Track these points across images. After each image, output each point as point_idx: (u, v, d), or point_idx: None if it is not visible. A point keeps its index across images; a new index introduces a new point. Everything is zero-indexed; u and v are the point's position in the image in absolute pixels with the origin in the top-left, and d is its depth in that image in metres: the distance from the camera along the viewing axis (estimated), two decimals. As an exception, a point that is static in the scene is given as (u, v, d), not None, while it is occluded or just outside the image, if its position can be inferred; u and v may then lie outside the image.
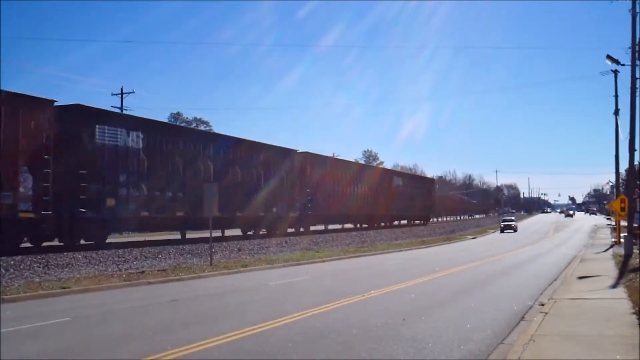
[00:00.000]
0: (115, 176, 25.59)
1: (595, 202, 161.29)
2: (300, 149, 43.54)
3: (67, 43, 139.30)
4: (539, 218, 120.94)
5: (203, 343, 8.63)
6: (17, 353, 8.28)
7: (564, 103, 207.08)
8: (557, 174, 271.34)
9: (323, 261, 25.39)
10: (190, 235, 34.39)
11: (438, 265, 22.65)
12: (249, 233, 37.45)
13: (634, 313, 10.57)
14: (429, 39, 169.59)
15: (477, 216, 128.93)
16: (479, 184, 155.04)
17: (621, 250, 25.08)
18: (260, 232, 37.76)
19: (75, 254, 22.15)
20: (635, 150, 24.26)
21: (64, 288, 15.24)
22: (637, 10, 23.04)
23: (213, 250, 23.93)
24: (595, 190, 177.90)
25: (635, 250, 23.50)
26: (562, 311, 11.40)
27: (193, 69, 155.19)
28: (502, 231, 60.89)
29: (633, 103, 23.62)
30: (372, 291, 14.57)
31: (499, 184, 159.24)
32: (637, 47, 23.06)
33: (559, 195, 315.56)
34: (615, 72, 34.65)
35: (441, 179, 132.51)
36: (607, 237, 43.36)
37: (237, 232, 37.48)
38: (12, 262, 19.12)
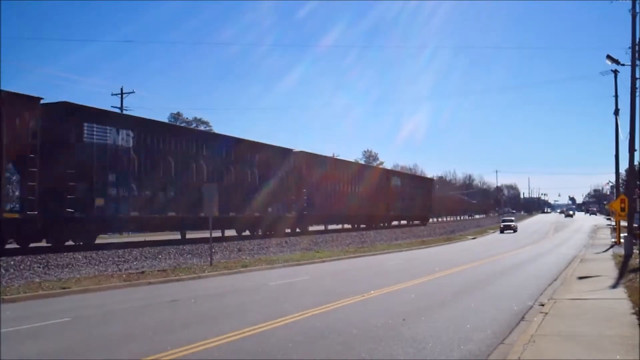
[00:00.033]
0: (105, 175, 25.15)
1: (595, 202, 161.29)
2: (297, 149, 43.31)
3: (67, 43, 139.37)
4: (539, 218, 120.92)
5: (203, 343, 8.63)
6: (17, 353, 8.28)
7: (564, 103, 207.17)
8: (557, 174, 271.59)
9: (323, 261, 25.39)
10: (190, 235, 34.38)
11: (438, 266, 22.65)
12: (243, 234, 37.05)
13: (634, 313, 10.57)
14: (429, 39, 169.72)
15: (477, 216, 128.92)
16: (479, 184, 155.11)
17: (621, 251, 25.07)
18: (255, 233, 37.36)
19: (75, 254, 22.15)
20: (635, 150, 24.27)
21: (64, 288, 15.23)
22: (637, 10, 23.05)
23: (213, 250, 23.93)
24: (595, 191, 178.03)
25: (635, 251, 23.50)
26: (562, 311, 11.40)
27: (193, 69, 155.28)
28: (501, 231, 60.92)
29: (633, 103, 23.63)
30: (372, 291, 14.57)
31: (499, 184, 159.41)
32: (637, 47, 23.06)
33: (559, 196, 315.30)
34: (615, 72, 34.66)
35: (441, 179, 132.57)
36: (607, 237, 43.35)
37: (232, 232, 37.21)
38: (12, 262, 19.13)
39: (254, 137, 59.70)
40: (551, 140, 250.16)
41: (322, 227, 49.48)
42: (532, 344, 8.34)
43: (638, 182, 37.17)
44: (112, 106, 50.87)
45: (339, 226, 53.22)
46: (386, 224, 60.55)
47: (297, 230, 41.98)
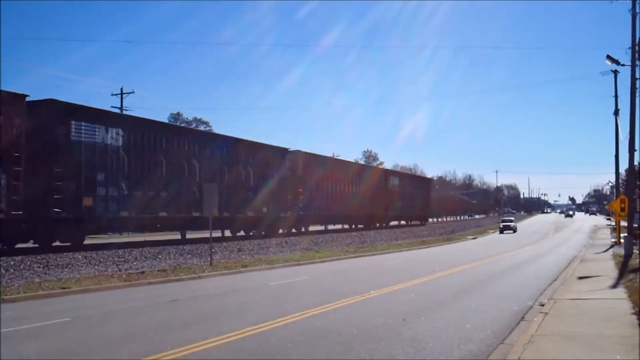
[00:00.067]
0: (93, 175, 24.57)
1: (595, 203, 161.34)
2: (293, 148, 42.49)
3: (67, 43, 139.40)
4: (539, 218, 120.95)
5: (203, 343, 8.63)
6: (17, 353, 8.28)
7: (564, 103, 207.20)
8: (557, 174, 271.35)
9: (323, 261, 25.39)
10: (190, 235, 34.37)
11: (438, 266, 22.65)
12: (238, 234, 36.50)
13: (634, 313, 10.57)
14: (429, 39, 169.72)
15: (477, 216, 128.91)
16: (479, 184, 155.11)
17: (621, 251, 25.08)
18: (250, 234, 36.80)
19: (75, 254, 22.15)
20: (635, 150, 24.28)
21: (64, 288, 15.23)
22: (637, 10, 23.05)
23: (213, 250, 23.92)
24: (595, 191, 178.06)
25: (635, 251, 23.50)
26: (562, 311, 11.40)
27: (193, 69, 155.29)
28: (501, 232, 60.91)
29: (633, 103, 23.63)
30: (372, 291, 14.57)
31: (499, 184, 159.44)
32: (637, 47, 23.07)
33: (559, 196, 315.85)
34: (615, 72, 34.68)
35: (441, 179, 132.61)
36: (607, 237, 43.37)
37: (226, 233, 36.73)
38: (12, 262, 19.13)
39: (254, 137, 59.79)
40: (551, 140, 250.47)
41: (321, 227, 49.17)
42: (532, 344, 8.34)
43: (638, 182, 37.16)
44: (112, 106, 50.97)
45: (339, 226, 52.94)
46: (385, 224, 60.07)
47: (294, 230, 41.30)
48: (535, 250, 34.92)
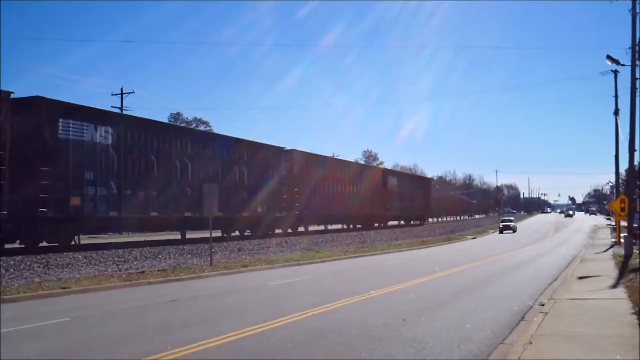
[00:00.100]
0: (81, 174, 23.85)
1: (595, 202, 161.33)
2: (288, 147, 41.53)
3: (67, 43, 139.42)
4: (539, 218, 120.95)
5: (203, 343, 8.63)
6: (17, 353, 8.28)
7: (564, 103, 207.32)
8: (557, 174, 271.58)
9: (323, 261, 25.39)
10: (190, 235, 34.35)
11: (438, 266, 22.65)
12: (232, 234, 35.80)
13: (634, 313, 10.57)
14: (429, 39, 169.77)
15: (477, 216, 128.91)
16: (479, 184, 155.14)
17: (621, 251, 25.08)
18: (244, 234, 36.20)
19: (75, 254, 22.16)
20: (635, 150, 24.29)
21: (64, 288, 15.24)
22: (637, 10, 23.06)
23: (213, 250, 23.93)
24: (595, 191, 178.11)
25: (635, 251, 23.51)
26: (562, 311, 11.40)
27: (193, 69, 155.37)
28: (500, 232, 60.88)
29: (633, 103, 23.63)
30: (372, 291, 14.58)
31: (499, 184, 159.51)
32: (637, 47, 23.07)
33: (559, 196, 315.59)
34: (615, 72, 34.68)
35: (441, 179, 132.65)
36: (607, 237, 43.37)
37: (218, 233, 35.52)
38: (12, 262, 19.14)
39: (254, 137, 59.69)
40: (551, 140, 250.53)
41: (321, 227, 48.86)
42: (532, 344, 8.34)
43: (638, 182, 37.18)
44: (112, 106, 51.00)
45: (338, 226, 52.59)
46: (383, 224, 59.28)
47: (290, 230, 40.49)
48: (535, 250, 34.92)
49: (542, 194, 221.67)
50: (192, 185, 29.81)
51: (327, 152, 79.41)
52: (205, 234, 28.45)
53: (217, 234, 33.64)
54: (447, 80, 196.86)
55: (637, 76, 23.61)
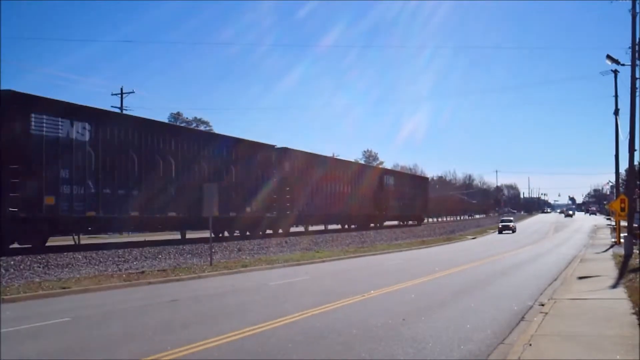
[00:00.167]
0: (56, 172, 22.81)
1: (595, 202, 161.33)
2: (279, 145, 40.35)
3: (67, 43, 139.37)
4: (539, 218, 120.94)
5: (203, 343, 8.63)
6: (17, 353, 8.28)
7: (564, 103, 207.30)
8: (557, 174, 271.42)
9: (323, 261, 25.39)
10: (190, 235, 34.33)
11: (438, 266, 22.65)
12: (220, 235, 34.72)
13: (634, 313, 10.58)
14: (429, 39, 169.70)
15: (477, 216, 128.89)
16: (479, 184, 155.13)
17: (621, 251, 25.09)
18: (234, 234, 35.37)
19: (75, 254, 22.16)
20: (635, 150, 24.30)
21: (64, 288, 15.24)
22: (637, 10, 23.06)
23: (213, 250, 23.93)
24: (595, 191, 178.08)
25: (635, 251, 23.51)
26: (562, 311, 11.40)
27: (193, 69, 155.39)
28: (500, 232, 60.81)
29: (633, 103, 23.64)
30: (372, 291, 14.58)
31: (499, 184, 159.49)
32: (637, 47, 23.07)
33: (559, 195, 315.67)
34: (615, 72, 34.69)
35: (441, 179, 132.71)
36: (607, 237, 43.37)
37: (206, 234, 34.71)
38: (12, 262, 19.13)
39: (254, 137, 59.53)
40: (551, 140, 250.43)
41: (320, 227, 48.25)
42: (532, 344, 8.34)
43: (638, 182, 37.18)
44: (112, 106, 50.92)
45: (336, 226, 52.12)
46: (379, 225, 57.98)
47: (280, 231, 39.13)
48: (535, 250, 34.93)
49: (542, 194, 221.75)
50: (176, 184, 29.00)
51: (327, 152, 79.39)
52: (204, 234, 28.31)
53: (206, 234, 32.33)
54: (447, 80, 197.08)
55: (637, 76, 23.62)
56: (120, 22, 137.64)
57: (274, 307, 12.25)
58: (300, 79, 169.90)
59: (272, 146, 39.24)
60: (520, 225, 75.09)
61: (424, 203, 75.07)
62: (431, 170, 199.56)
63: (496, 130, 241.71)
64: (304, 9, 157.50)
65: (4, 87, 21.84)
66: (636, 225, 28.57)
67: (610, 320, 10.10)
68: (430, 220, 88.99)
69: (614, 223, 43.30)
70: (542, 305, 12.52)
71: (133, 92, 56.12)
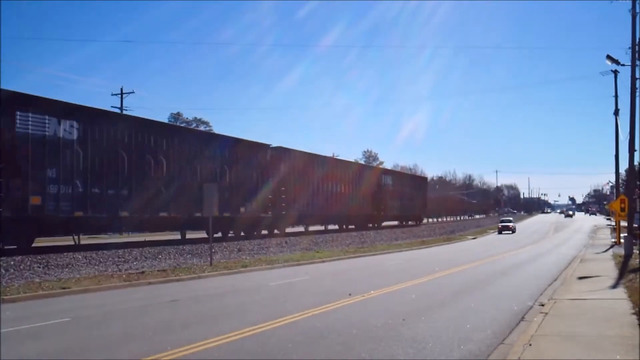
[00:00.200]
0: (43, 171, 22.42)
1: (595, 203, 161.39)
2: (273, 144, 39.82)
3: (67, 43, 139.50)
4: (539, 218, 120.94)
5: (203, 343, 8.63)
6: (17, 353, 8.28)
7: (564, 103, 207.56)
8: (557, 174, 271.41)
9: (323, 261, 25.39)
10: (190, 235, 34.32)
11: (438, 266, 22.65)
12: (215, 235, 33.59)
13: (634, 313, 10.58)
14: (429, 39, 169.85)
15: (477, 216, 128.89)
16: (479, 184, 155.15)
17: (621, 251, 25.09)
18: (228, 235, 34.96)
19: (75, 254, 22.17)
20: (635, 150, 24.30)
21: (64, 288, 15.23)
22: (637, 10, 23.06)
23: (213, 250, 23.92)
24: (595, 191, 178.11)
25: (635, 251, 23.52)
26: (562, 311, 11.40)
27: (193, 69, 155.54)
28: (499, 232, 60.78)
29: (633, 103, 23.64)
30: (372, 291, 14.58)
31: (499, 184, 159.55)
32: (637, 47, 23.08)
33: (559, 196, 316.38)
34: (615, 72, 34.71)
35: (441, 179, 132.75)
36: (607, 237, 43.37)
37: (202, 234, 34.38)
38: (12, 262, 19.13)
39: (255, 137, 59.53)
40: (551, 140, 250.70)
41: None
42: (532, 344, 8.34)
43: (638, 182, 37.17)
44: (112, 106, 50.99)
45: (333, 227, 51.79)
46: (377, 225, 57.49)
47: (276, 231, 39.13)
48: (535, 250, 34.92)
49: (542, 194, 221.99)
50: (168, 184, 28.64)
51: (327, 152, 79.40)
52: (204, 234, 28.43)
53: (196, 235, 32.70)
54: (447, 80, 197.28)
55: (637, 76, 23.62)
56: (120, 22, 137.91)
57: (274, 307, 12.24)
58: (300, 79, 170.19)
59: (268, 146, 38.78)
60: (520, 226, 75.08)
61: (423, 203, 74.83)
62: (431, 171, 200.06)
63: (496, 130, 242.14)
64: (304, 9, 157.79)
65: (4, 87, 21.77)
66: (636, 225, 28.58)
67: (610, 321, 10.10)
68: (430, 220, 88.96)
69: (614, 223, 43.30)
70: (542, 305, 12.52)
71: (133, 92, 56.27)
